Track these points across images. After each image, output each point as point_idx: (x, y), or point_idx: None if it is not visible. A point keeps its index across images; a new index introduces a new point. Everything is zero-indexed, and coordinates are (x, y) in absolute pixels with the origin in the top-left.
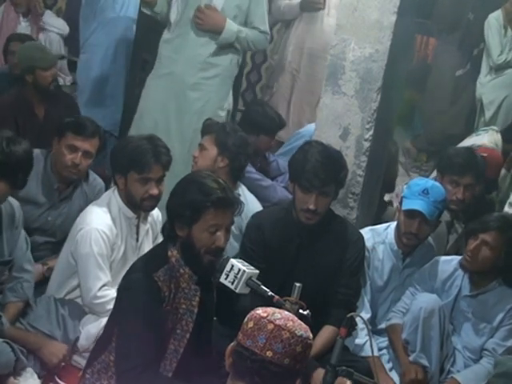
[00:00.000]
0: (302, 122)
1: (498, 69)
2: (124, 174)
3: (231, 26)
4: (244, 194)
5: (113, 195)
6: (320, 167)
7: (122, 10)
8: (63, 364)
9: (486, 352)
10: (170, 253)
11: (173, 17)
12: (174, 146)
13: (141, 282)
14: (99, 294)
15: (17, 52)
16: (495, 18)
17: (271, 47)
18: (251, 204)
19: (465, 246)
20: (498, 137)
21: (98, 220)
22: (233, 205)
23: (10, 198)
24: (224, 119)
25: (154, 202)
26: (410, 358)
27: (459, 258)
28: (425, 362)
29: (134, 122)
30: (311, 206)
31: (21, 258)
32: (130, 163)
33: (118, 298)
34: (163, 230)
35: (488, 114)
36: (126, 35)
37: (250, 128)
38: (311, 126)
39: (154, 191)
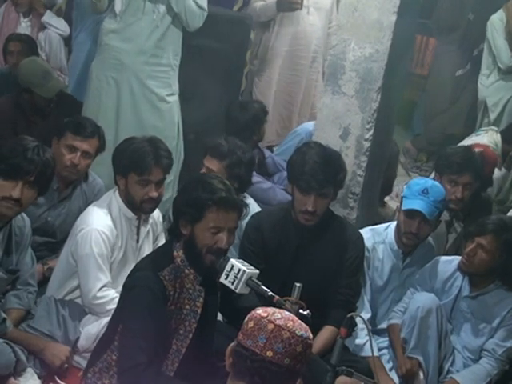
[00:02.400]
0: (292, 124)
1: (510, 71)
2: (124, 174)
3: None
4: (249, 202)
5: (113, 196)
6: (318, 169)
7: None
8: (66, 366)
9: (485, 352)
10: (175, 253)
11: (118, 6)
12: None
13: (146, 280)
14: (99, 294)
15: (19, 66)
16: (499, 19)
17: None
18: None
19: (463, 248)
20: (498, 137)
21: (99, 221)
22: (236, 207)
23: (23, 214)
24: (175, 104)
25: (153, 204)
26: (406, 354)
27: (460, 258)
28: (419, 356)
29: (86, 108)
30: (309, 208)
31: (26, 273)
32: (130, 164)
33: (122, 296)
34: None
35: (492, 115)
36: None
37: (241, 134)
38: (307, 125)
39: (154, 194)
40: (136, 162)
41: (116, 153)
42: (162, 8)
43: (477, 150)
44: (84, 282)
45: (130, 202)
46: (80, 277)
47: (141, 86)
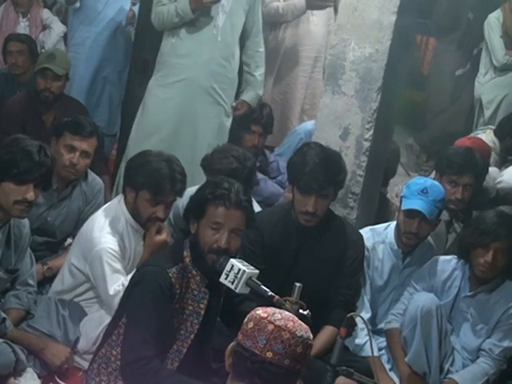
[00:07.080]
0: (292, 125)
1: (503, 69)
2: (136, 190)
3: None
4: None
5: (119, 208)
6: (319, 170)
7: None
8: (66, 366)
9: (482, 352)
10: (185, 253)
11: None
12: (186, 153)
13: (155, 275)
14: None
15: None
16: (496, 18)
17: None
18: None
19: (473, 257)
20: None
21: (106, 238)
22: (240, 206)
23: None
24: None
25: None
26: (406, 359)
27: (458, 258)
28: (421, 367)
29: (138, 130)
30: (310, 209)
31: (25, 273)
32: (145, 183)
33: (128, 289)
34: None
35: (487, 113)
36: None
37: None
38: (306, 124)
39: (161, 214)
40: (152, 183)
41: (130, 166)
42: (221, 22)
43: (467, 143)
44: (103, 290)
45: (135, 216)
46: (100, 292)
47: (201, 102)
